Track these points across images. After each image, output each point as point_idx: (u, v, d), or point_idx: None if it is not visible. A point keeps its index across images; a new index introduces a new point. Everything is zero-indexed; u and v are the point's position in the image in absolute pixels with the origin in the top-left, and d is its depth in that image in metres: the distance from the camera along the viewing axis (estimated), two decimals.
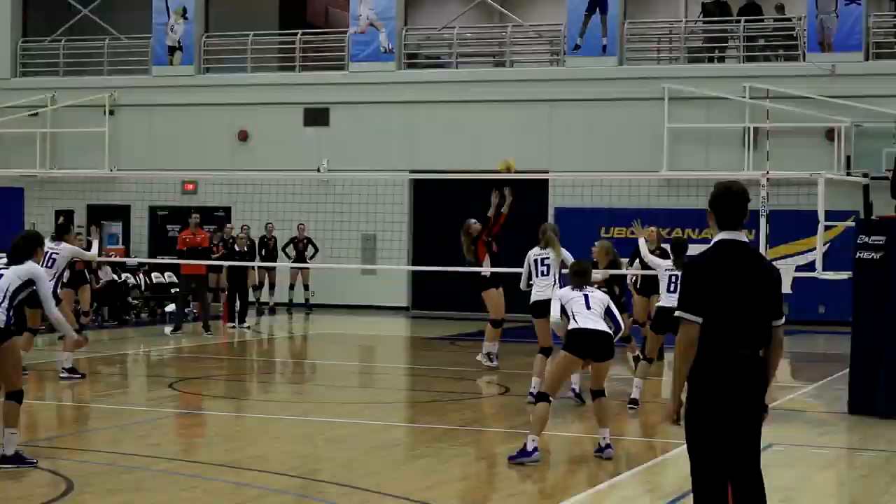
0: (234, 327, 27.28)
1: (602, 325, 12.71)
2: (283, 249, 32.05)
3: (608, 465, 12.28)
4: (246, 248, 28.79)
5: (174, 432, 14.56)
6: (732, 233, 7.57)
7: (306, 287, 32.79)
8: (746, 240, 7.66)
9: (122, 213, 35.75)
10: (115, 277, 29.22)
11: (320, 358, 23.96)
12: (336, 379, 20.10)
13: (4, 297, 11.61)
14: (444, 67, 35.12)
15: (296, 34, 35.77)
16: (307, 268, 31.94)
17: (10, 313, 11.66)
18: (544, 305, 15.27)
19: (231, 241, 28.98)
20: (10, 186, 28.49)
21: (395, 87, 33.94)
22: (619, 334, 12.99)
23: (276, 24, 38.09)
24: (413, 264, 32.67)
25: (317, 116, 34.47)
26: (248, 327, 27.51)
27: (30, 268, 11.81)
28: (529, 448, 12.03)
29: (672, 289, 15.27)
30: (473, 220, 20.66)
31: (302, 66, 35.51)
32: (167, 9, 35.98)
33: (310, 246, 32.20)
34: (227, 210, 34.04)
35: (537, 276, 16.44)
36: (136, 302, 30.04)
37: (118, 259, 31.12)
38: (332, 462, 12.27)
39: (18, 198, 30.43)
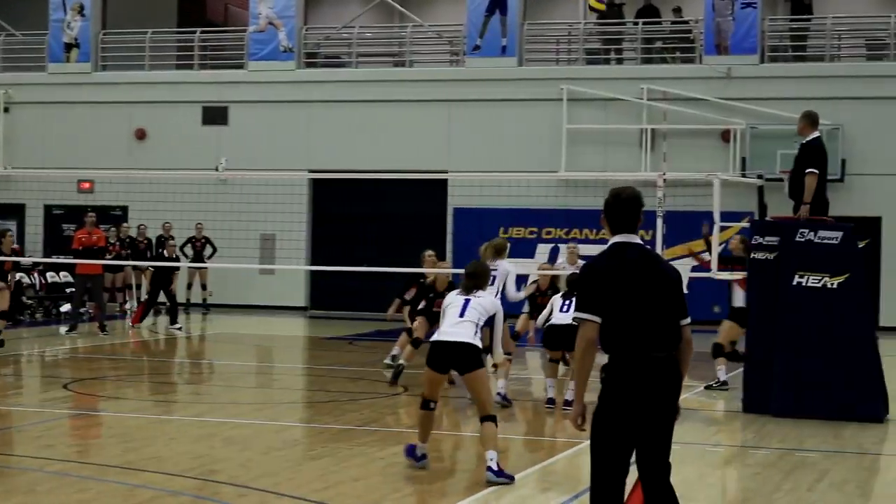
0: (135, 328, 27.10)
1: (465, 335, 11.80)
2: (181, 249, 31.82)
3: (505, 464, 12.30)
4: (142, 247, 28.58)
5: (68, 434, 14.39)
6: (626, 236, 7.65)
7: (204, 287, 32.58)
8: (641, 242, 7.72)
9: (16, 211, 35.27)
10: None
11: (217, 358, 23.83)
12: (233, 379, 20.00)
13: None
14: (343, 67, 35.05)
15: (195, 32, 35.53)
16: (205, 267, 31.75)
17: None
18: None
19: (128, 240, 28.75)
20: None
21: (295, 87, 33.83)
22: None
23: (175, 21, 37.84)
24: (311, 264, 32.60)
25: (215, 115, 34.25)
26: (180, 328, 27.28)
27: None
28: (418, 454, 12.05)
29: (565, 309, 15.63)
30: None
31: (201, 65, 35.28)
32: (64, 5, 35.57)
33: (208, 245, 32.01)
34: (125, 209, 33.74)
35: None
36: (30, 302, 29.68)
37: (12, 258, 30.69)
38: (228, 463, 12.19)
39: None
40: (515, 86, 32.23)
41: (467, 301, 12.05)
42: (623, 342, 7.43)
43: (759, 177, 28.86)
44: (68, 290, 29.53)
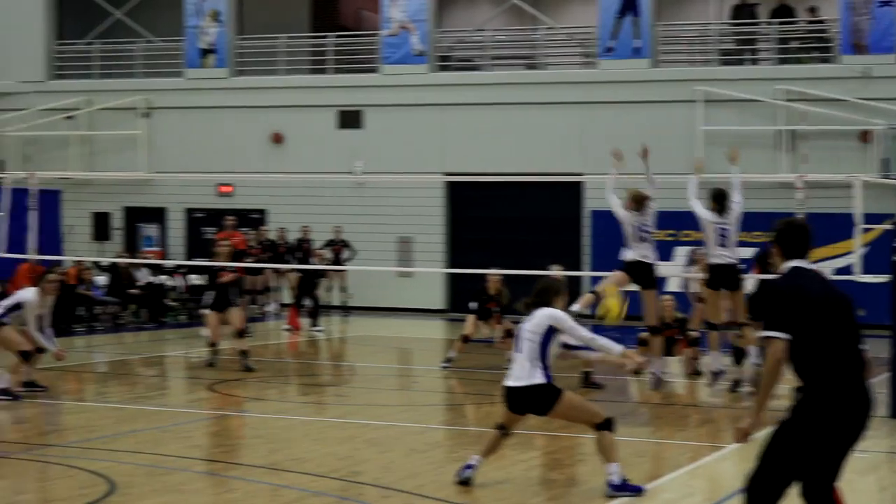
0: (288, 329, 27.40)
1: (522, 377, 11.07)
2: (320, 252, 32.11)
3: (647, 467, 12.28)
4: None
5: (214, 434, 14.64)
6: (801, 261, 7.81)
7: (343, 289, 32.85)
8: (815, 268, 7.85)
9: (158, 215, 35.89)
10: (153, 279, 29.36)
11: (358, 360, 24.02)
12: (374, 381, 20.16)
13: None
14: (476, 70, 35.14)
15: (328, 37, 35.88)
16: (344, 270, 31.97)
17: None
18: None
19: (268, 243, 29.07)
20: (46, 189, 28.60)
21: (428, 90, 33.98)
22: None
23: (309, 26, 38.23)
24: (449, 267, 32.71)
25: (350, 119, 34.54)
26: (321, 330, 27.58)
27: None
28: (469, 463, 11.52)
29: (723, 243, 15.32)
30: None
31: (335, 69, 35.60)
32: (199, 12, 36.12)
33: (346, 248, 32.21)
34: (263, 212, 34.16)
35: None
36: (173, 304, 30.17)
37: (155, 261, 31.28)
38: (371, 464, 12.32)
39: (55, 200, 30.56)
40: (649, 87, 32.09)
41: (521, 330, 11.29)
42: (823, 365, 7.49)
43: None
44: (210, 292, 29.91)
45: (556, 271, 19.19)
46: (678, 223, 31.10)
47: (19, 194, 22.75)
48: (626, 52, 32.49)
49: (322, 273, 29.39)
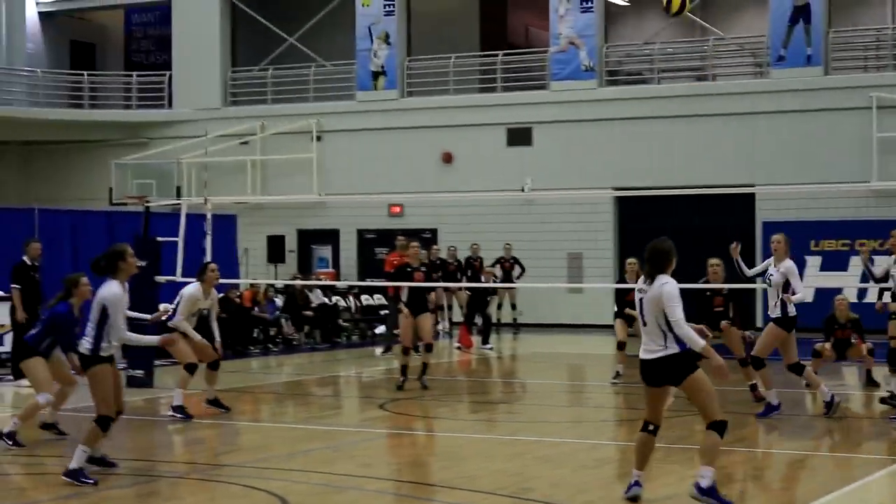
0: (459, 348, 27.52)
1: (652, 350, 10.94)
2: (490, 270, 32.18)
3: (818, 479, 12.05)
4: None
5: (386, 452, 14.75)
6: None
7: (514, 306, 32.87)
8: None
9: (331, 236, 36.36)
10: (326, 300, 29.73)
11: (529, 377, 24.01)
12: (545, 398, 20.13)
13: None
14: (645, 83, 34.95)
15: (497, 55, 36.00)
16: (514, 287, 32.00)
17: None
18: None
19: (438, 261, 29.22)
20: (223, 213, 29.17)
21: (597, 105, 33.90)
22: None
23: (478, 45, 38.41)
24: (619, 282, 32.48)
25: (519, 136, 34.61)
26: (491, 348, 27.68)
27: None
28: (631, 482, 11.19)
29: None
30: None
31: (503, 87, 35.71)
32: (370, 34, 36.55)
33: (516, 265, 32.23)
34: (434, 231, 34.37)
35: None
36: (346, 324, 30.50)
37: (329, 282, 31.66)
38: (541, 481, 12.29)
39: (232, 224, 31.15)
40: (822, 95, 31.60)
41: (641, 301, 11.07)
42: None
43: None
44: (382, 313, 30.23)
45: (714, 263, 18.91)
46: (853, 232, 30.59)
47: (196, 220, 23.21)
48: (797, 60, 32.04)
49: (492, 291, 29.47)
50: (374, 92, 36.57)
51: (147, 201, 25.08)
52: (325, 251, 36.76)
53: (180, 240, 21.46)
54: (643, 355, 11.03)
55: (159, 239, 21.36)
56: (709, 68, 34.67)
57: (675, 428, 15.79)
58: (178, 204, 24.24)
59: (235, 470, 12.86)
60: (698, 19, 36.10)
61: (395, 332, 27.69)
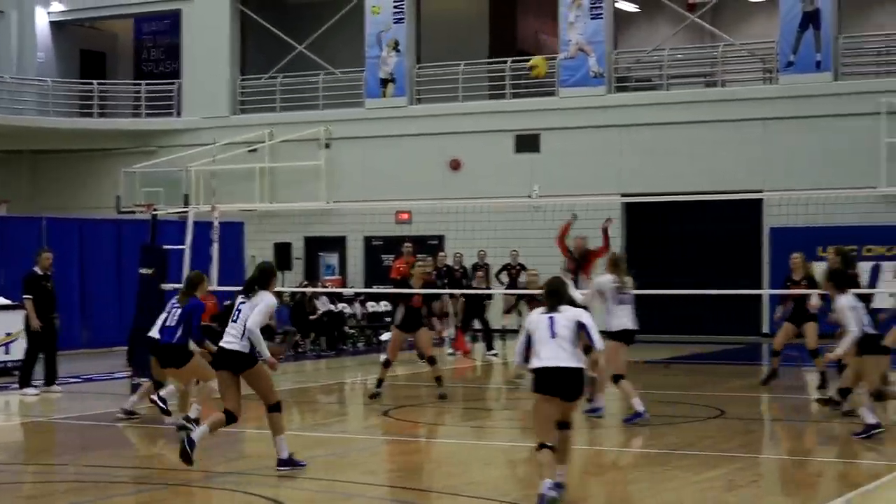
0: (451, 354, 27.51)
1: (567, 359, 11.28)
2: (497, 276, 32.14)
3: (823, 486, 12.00)
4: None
5: (390, 459, 14.72)
6: None
7: (520, 313, 32.79)
8: None
9: (338, 243, 36.37)
10: (332, 307, 29.71)
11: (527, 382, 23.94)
12: None
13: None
14: (654, 90, 34.93)
15: (506, 62, 36.00)
16: (524, 294, 31.89)
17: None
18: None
19: (444, 268, 29.20)
20: (231, 220, 29.21)
21: (606, 112, 33.89)
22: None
23: (486, 52, 38.42)
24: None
25: (528, 143, 34.62)
26: (496, 354, 27.65)
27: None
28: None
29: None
30: None
31: (512, 94, 35.71)
32: (379, 42, 36.58)
33: (523, 272, 32.18)
34: (440, 238, 34.36)
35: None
36: (352, 331, 30.48)
37: (336, 289, 31.65)
38: None
39: (239, 232, 31.17)
40: (831, 101, 31.55)
41: (551, 318, 11.53)
42: None
43: None
44: (388, 320, 30.20)
45: None
46: (860, 238, 30.53)
47: (203, 227, 23.24)
48: (807, 66, 32.01)
49: (489, 296, 29.40)
50: (383, 99, 36.60)
51: (155, 209, 25.10)
52: (332, 258, 36.78)
53: (187, 247, 21.50)
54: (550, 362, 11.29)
55: (166, 247, 21.37)
56: (718, 74, 34.64)
57: (680, 434, 15.77)
58: (186, 212, 24.26)
59: (239, 477, 12.85)
60: (707, 25, 36.06)
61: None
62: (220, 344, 13.22)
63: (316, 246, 36.69)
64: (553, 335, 11.35)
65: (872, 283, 29.31)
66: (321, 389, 22.54)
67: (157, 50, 43.76)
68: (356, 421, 18.65)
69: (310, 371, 25.83)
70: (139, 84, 40.91)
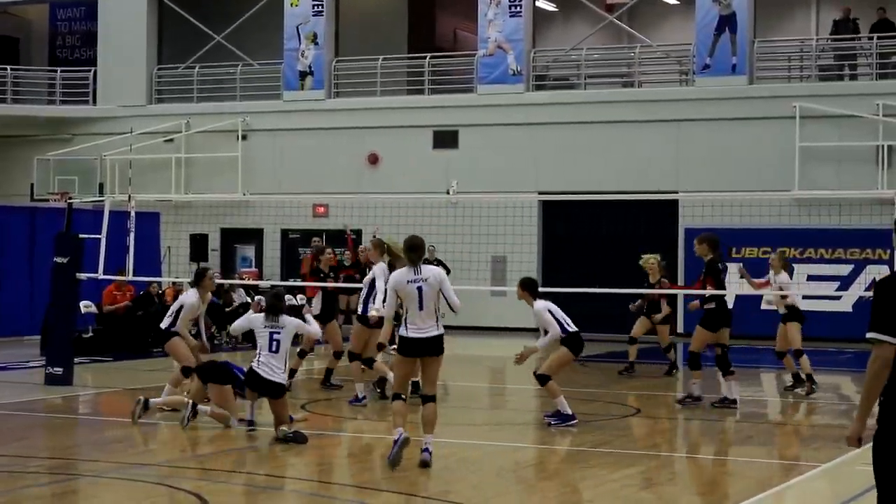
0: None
1: (432, 329, 13.23)
2: None
3: (738, 485, 12.15)
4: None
5: (307, 453, 14.69)
6: None
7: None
8: None
9: (255, 236, 36.23)
10: (248, 300, 29.58)
11: (451, 379, 24.00)
12: (467, 400, 20.17)
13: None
14: (572, 89, 35.13)
15: (424, 58, 36.03)
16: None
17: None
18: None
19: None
20: (146, 211, 29.02)
21: (524, 109, 34.02)
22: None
23: (405, 47, 38.43)
24: (543, 285, 32.61)
25: (445, 139, 34.67)
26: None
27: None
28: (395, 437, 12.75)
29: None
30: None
31: (430, 90, 35.74)
32: (298, 34, 36.46)
33: (440, 267, 32.20)
34: (358, 232, 34.31)
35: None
36: None
37: (251, 282, 31.51)
38: (462, 484, 12.29)
39: (154, 222, 30.96)
40: (746, 104, 31.88)
41: (420, 289, 13.47)
42: None
43: None
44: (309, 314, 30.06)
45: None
46: (773, 240, 30.90)
47: (119, 217, 23.06)
48: (722, 69, 32.32)
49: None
50: (301, 92, 36.50)
51: (70, 198, 24.85)
52: (249, 250, 36.65)
53: (103, 237, 21.31)
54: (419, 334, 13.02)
55: (81, 236, 21.16)
56: (635, 75, 34.89)
57: (596, 432, 15.88)
58: (102, 201, 24.05)
59: (156, 469, 12.78)
60: (625, 26, 36.32)
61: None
62: (256, 370, 14.85)
63: (232, 238, 36.53)
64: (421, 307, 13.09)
65: None
66: None
67: (73, 37, 43.32)
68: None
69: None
70: (54, 71, 40.47)
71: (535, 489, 12.19)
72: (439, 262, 32.09)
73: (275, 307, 14.87)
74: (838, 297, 29.66)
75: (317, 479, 12.74)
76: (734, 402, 17.78)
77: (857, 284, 29.93)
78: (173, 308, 16.98)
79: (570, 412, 16.10)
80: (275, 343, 14.64)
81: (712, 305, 17.72)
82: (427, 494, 11.63)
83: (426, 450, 12.80)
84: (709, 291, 17.61)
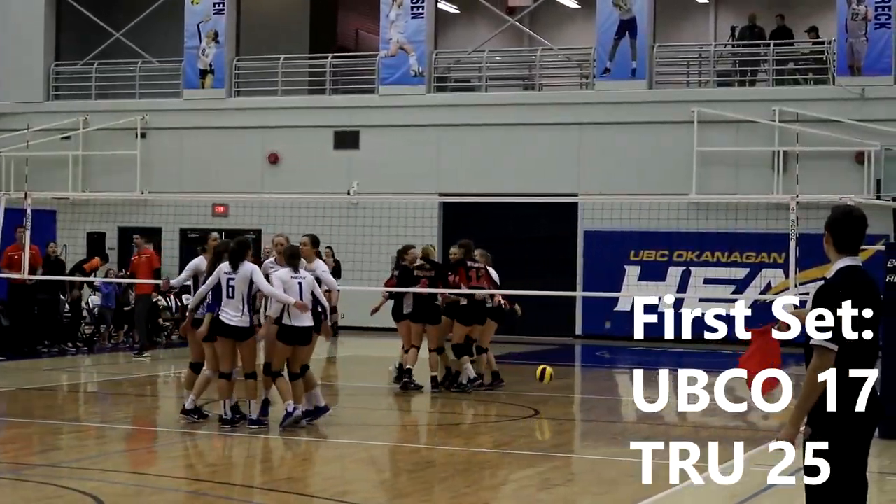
0: None
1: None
2: None
3: (636, 485, 12.22)
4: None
5: (205, 454, 14.61)
6: (854, 258, 7.28)
7: (334, 309, 32.73)
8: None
9: (153, 235, 35.85)
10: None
11: (349, 380, 24.02)
12: (365, 401, 20.14)
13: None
14: (473, 91, 35.22)
15: (326, 58, 35.93)
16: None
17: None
18: None
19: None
20: (42, 209, 28.64)
21: (425, 111, 34.02)
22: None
23: (307, 47, 38.30)
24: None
25: (347, 139, 34.59)
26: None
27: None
28: (290, 410, 14.96)
29: None
30: None
31: (332, 90, 35.66)
32: (199, 32, 36.19)
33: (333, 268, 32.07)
34: (258, 232, 34.16)
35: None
36: (166, 324, 30.15)
37: (151, 281, 31.20)
38: (361, 484, 12.29)
39: (51, 220, 30.55)
40: (645, 108, 32.12)
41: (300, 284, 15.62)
42: (852, 366, 7.14)
43: (895, 199, 28.46)
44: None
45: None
46: (671, 243, 31.22)
47: (14, 214, 22.77)
48: (623, 74, 32.52)
49: None
50: (202, 90, 36.21)
51: None
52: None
53: None
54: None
55: None
56: (536, 78, 35.03)
57: (495, 433, 15.93)
58: None
59: (49, 470, 12.62)
60: (527, 29, 36.47)
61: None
62: (221, 318, 14.88)
63: (130, 236, 36.10)
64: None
65: (682, 287, 30.04)
66: (133, 382, 22.20)
67: None
68: (170, 415, 18.39)
69: (122, 364, 25.47)
70: None
71: (434, 489, 12.20)
72: (337, 264, 32.05)
73: (234, 254, 15.20)
74: (733, 301, 29.98)
75: (216, 480, 12.65)
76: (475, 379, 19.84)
77: (753, 288, 30.27)
78: (183, 277, 17.70)
79: (323, 404, 16.04)
80: (230, 289, 14.88)
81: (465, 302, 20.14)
82: (326, 495, 11.60)
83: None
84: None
